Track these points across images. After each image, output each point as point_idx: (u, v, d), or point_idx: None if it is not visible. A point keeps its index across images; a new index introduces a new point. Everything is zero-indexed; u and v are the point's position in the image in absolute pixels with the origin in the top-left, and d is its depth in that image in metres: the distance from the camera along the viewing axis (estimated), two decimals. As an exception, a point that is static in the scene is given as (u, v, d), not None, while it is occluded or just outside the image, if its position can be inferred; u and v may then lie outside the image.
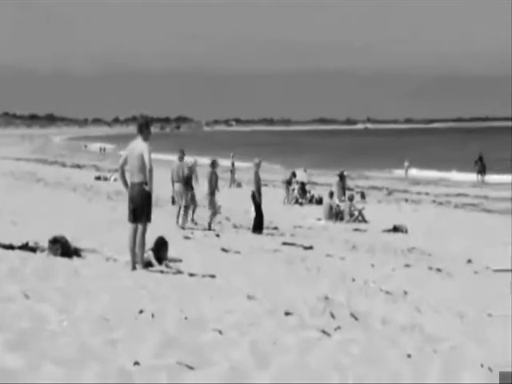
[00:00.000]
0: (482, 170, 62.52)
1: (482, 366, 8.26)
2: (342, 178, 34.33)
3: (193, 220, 23.61)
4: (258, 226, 23.19)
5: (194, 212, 23.79)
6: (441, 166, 68.90)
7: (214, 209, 23.18)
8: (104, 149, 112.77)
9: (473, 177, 61.76)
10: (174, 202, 23.65)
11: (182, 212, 22.81)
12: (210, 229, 22.52)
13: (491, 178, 60.72)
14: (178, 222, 22.45)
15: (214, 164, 23.85)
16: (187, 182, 23.58)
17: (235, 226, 24.19)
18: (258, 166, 24.07)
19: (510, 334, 10.56)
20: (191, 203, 23.59)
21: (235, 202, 25.64)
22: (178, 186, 23.20)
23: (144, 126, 13.19)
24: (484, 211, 37.87)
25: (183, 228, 22.15)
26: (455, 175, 63.14)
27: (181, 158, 23.59)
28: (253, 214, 23.73)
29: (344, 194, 32.67)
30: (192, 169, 24.06)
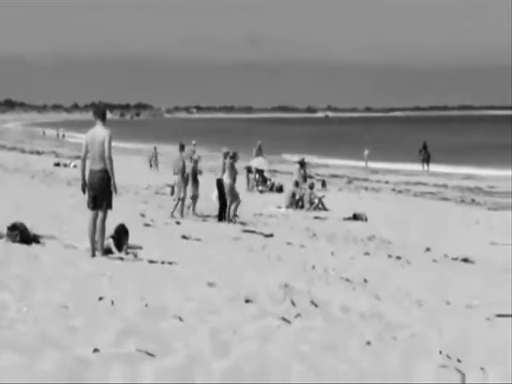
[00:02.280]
0: (427, 159, 62.70)
1: (440, 353, 8.34)
2: (302, 165, 34.33)
3: (194, 211, 23.88)
4: (223, 215, 23.30)
5: (194, 204, 24.03)
6: (397, 156, 69.24)
7: (237, 199, 23.31)
8: (63, 135, 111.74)
9: (419, 166, 61.98)
10: (173, 192, 23.79)
11: (179, 203, 22.99)
12: (234, 220, 22.90)
13: (440, 168, 60.78)
14: (172, 214, 22.52)
15: (235, 156, 23.99)
16: (194, 175, 23.79)
17: (196, 214, 24.15)
18: (225, 155, 24.10)
19: (468, 321, 10.68)
20: (195, 195, 23.88)
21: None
22: (177, 178, 23.26)
23: (105, 113, 13.18)
24: (442, 200, 38.22)
25: (177, 217, 22.41)
26: (408, 166, 63.14)
27: (181, 151, 23.62)
28: (216, 201, 23.91)
29: (305, 181, 32.70)
30: (197, 162, 24.29)
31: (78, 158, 36.91)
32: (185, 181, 23.30)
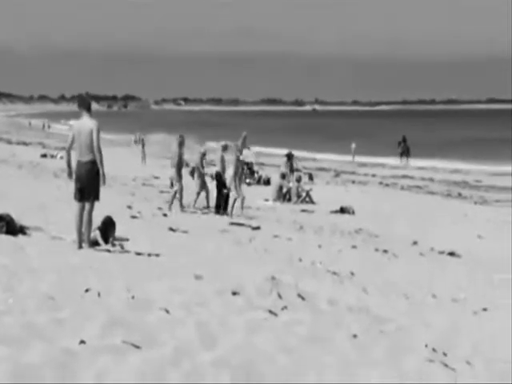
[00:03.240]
0: (406, 152, 62.73)
1: (426, 346, 8.37)
2: (289, 158, 34.34)
3: (194, 205, 23.73)
4: (219, 206, 23.26)
5: (207, 197, 23.93)
6: (384, 150, 69.20)
7: (240, 193, 23.26)
8: (49, 126, 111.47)
9: (397, 160, 62.00)
10: (172, 185, 23.82)
11: (174, 195, 22.90)
12: (241, 214, 22.72)
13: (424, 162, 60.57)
14: (170, 208, 22.53)
15: (240, 150, 23.95)
16: (200, 168, 23.67)
17: (183, 206, 24.09)
18: (224, 148, 24.06)
19: (454, 315, 10.71)
20: (202, 189, 23.81)
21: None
22: (172, 171, 23.22)
23: (90, 104, 13.14)
24: (429, 193, 38.33)
25: (169, 209, 22.34)
26: (395, 160, 62.97)
27: (180, 144, 23.47)
28: (214, 194, 23.87)
29: (292, 174, 32.71)
30: (203, 156, 24.18)
31: (64, 149, 36.80)
32: (180, 174, 23.17)
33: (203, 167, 24.18)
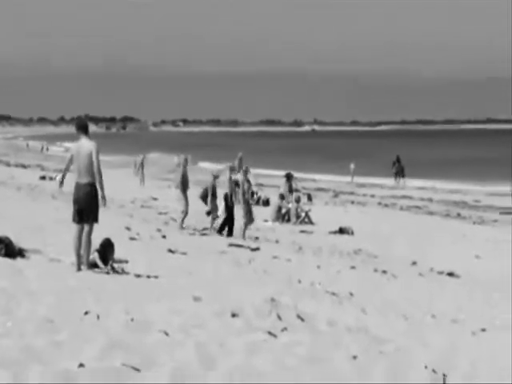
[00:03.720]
0: (401, 172, 62.68)
1: (426, 367, 8.35)
2: (288, 178, 34.38)
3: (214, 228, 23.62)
4: (224, 228, 23.24)
5: (214, 220, 23.77)
6: (383, 170, 69.15)
7: (250, 217, 23.25)
8: (47, 148, 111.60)
9: (394, 180, 61.97)
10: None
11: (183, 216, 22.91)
12: (244, 237, 22.66)
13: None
14: (181, 228, 22.56)
15: (246, 171, 23.94)
16: (213, 191, 23.53)
17: (182, 227, 24.07)
18: (231, 169, 24.13)
19: (454, 335, 10.70)
20: (214, 214, 23.60)
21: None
22: (177, 192, 23.19)
23: (87, 126, 13.23)
24: (428, 214, 38.33)
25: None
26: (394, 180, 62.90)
27: (184, 164, 23.38)
28: (222, 215, 23.82)
29: (291, 194, 32.73)
30: (216, 177, 24.02)
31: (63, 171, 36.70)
32: (184, 194, 23.10)
33: (215, 191, 23.85)
